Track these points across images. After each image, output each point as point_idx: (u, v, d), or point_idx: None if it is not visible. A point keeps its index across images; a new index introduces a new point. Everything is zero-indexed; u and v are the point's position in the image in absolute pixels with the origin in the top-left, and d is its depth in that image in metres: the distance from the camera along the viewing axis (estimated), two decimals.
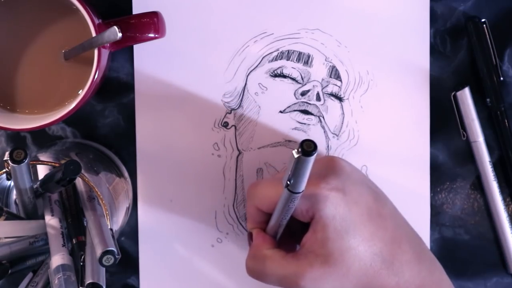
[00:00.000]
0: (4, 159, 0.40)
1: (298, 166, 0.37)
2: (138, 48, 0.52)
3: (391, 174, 0.53)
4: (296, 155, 0.36)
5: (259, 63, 0.53)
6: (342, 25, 0.53)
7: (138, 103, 0.53)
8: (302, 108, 0.53)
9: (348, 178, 0.44)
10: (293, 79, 0.53)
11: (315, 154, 0.36)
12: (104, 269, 0.40)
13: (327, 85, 0.53)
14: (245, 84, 0.53)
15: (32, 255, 0.43)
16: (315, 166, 0.39)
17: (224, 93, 0.53)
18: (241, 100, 0.53)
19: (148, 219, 0.53)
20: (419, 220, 0.53)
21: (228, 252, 0.54)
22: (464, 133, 0.53)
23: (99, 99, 0.53)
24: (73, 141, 0.53)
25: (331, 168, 0.44)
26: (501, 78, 0.53)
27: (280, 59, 0.53)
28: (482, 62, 0.52)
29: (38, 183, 0.44)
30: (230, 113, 0.53)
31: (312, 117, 0.53)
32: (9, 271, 0.41)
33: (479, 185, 0.54)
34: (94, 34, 0.45)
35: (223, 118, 0.53)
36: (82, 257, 0.42)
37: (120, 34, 0.43)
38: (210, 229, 0.53)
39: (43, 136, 0.53)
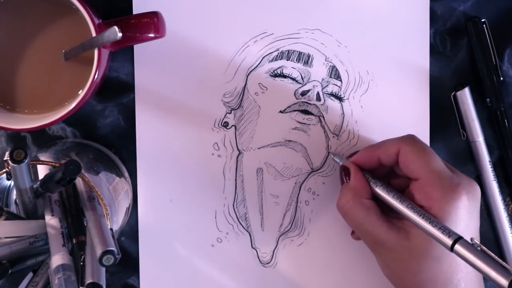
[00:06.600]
0: (4, 159, 0.40)
1: None
2: (138, 48, 0.52)
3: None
4: None
5: (259, 63, 0.53)
6: (342, 25, 0.53)
7: (138, 103, 0.53)
8: (302, 108, 0.53)
9: (477, 207, 0.47)
10: (293, 79, 0.53)
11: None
12: (104, 269, 0.40)
13: (327, 85, 0.53)
14: (245, 84, 0.53)
15: (32, 255, 0.43)
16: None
17: (224, 93, 0.53)
18: (241, 100, 0.53)
19: (148, 219, 0.53)
20: None
21: (228, 252, 0.53)
22: (464, 133, 0.53)
23: (99, 99, 0.53)
24: (73, 141, 0.53)
25: (473, 189, 0.47)
26: (501, 78, 0.53)
27: (280, 59, 0.53)
28: (482, 62, 0.52)
29: (38, 183, 0.44)
30: (230, 113, 0.53)
31: (312, 117, 0.53)
32: (9, 271, 0.41)
33: (479, 185, 0.54)
34: (94, 34, 0.45)
35: (223, 118, 0.53)
36: (82, 257, 0.42)
37: (120, 34, 0.43)
38: (210, 229, 0.53)
39: (43, 136, 0.53)
